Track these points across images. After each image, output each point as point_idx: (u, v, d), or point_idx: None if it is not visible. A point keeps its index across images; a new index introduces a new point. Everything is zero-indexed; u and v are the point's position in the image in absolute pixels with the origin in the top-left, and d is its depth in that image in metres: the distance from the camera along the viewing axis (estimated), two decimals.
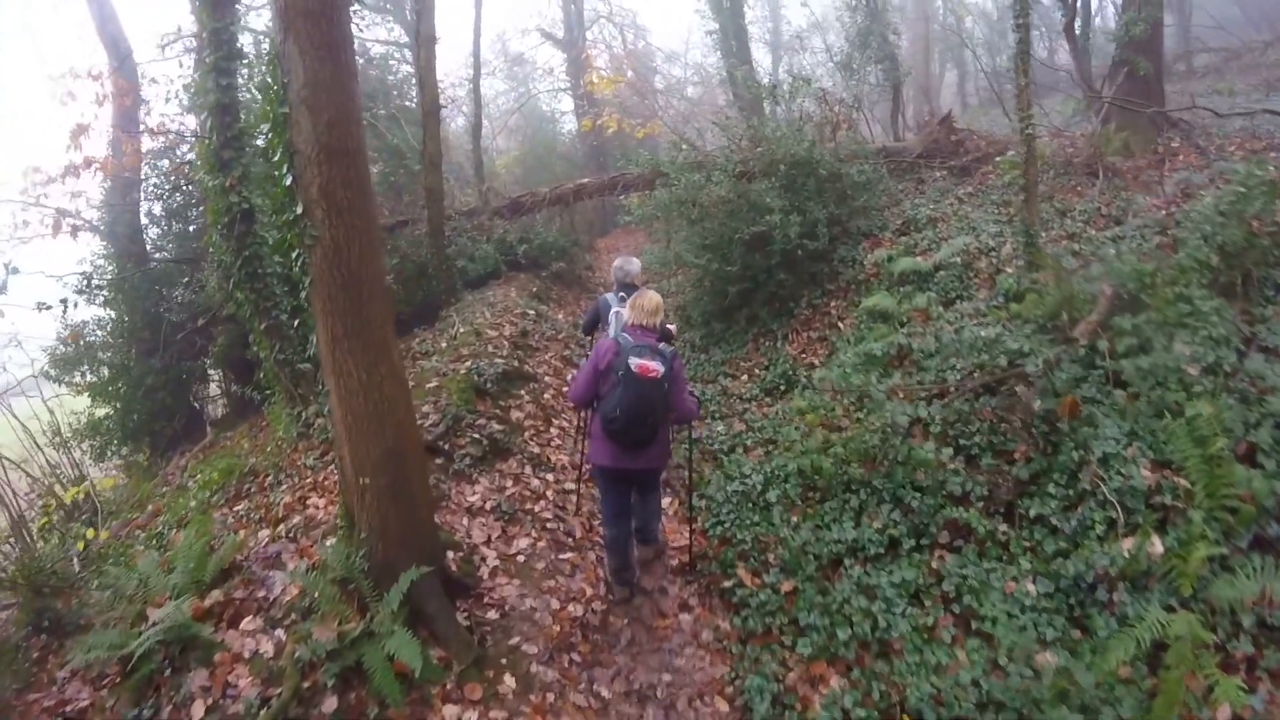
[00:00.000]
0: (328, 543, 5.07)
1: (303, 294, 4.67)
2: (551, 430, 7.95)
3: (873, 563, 5.30)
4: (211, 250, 8.72)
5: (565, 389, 9.18)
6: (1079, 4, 16.53)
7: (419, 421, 6.66)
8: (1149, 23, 11.38)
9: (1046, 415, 5.50)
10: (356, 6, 24.40)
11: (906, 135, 17.24)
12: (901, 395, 6.45)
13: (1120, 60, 12.03)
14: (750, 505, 6.24)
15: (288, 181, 4.43)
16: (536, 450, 7.36)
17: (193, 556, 5.19)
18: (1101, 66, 15.09)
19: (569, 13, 28.08)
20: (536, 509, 6.28)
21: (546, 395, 8.71)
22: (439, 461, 6.37)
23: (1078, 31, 13.99)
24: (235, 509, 6.85)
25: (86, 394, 13.03)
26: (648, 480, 5.29)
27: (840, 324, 9.63)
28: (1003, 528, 5.19)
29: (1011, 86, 23.30)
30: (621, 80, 19.30)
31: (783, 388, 8.80)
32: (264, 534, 5.78)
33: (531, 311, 11.14)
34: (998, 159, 12.95)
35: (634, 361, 4.57)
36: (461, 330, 9.58)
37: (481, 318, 10.38)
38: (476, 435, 6.83)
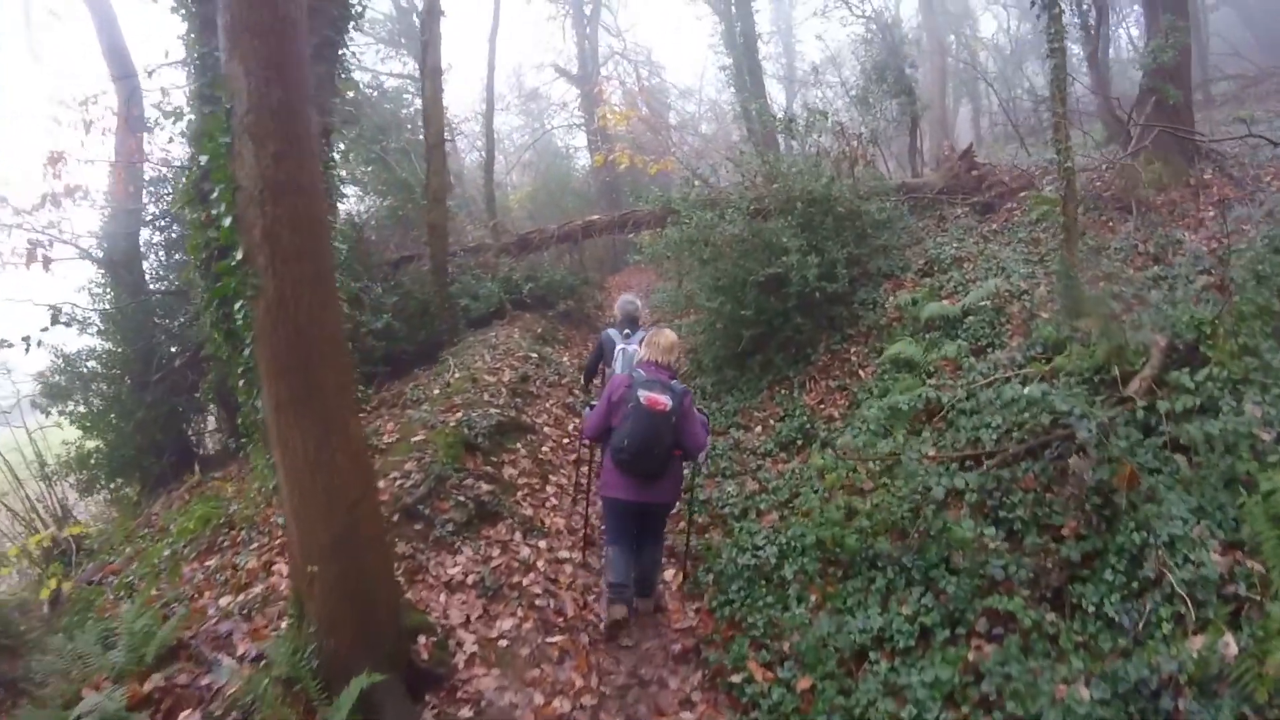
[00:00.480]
0: (283, 624, 4.43)
1: (245, 351, 4.06)
2: (548, 489, 7.30)
3: (902, 657, 4.58)
4: (190, 287, 8.19)
5: (566, 440, 8.57)
6: (1100, 31, 16.08)
7: (398, 482, 6.06)
8: (1177, 49, 10.75)
9: (1099, 486, 4.78)
10: (371, 40, 24.49)
11: (924, 171, 16.68)
12: (933, 458, 5.74)
13: (1148, 88, 11.40)
14: (763, 582, 5.54)
15: (226, 221, 3.84)
16: (529, 513, 6.70)
17: (137, 633, 4.59)
18: (1122, 97, 14.53)
19: (583, 49, 27.91)
20: (525, 582, 5.60)
21: (544, 448, 8.08)
22: (418, 528, 5.72)
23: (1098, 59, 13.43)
24: (206, 563, 6.31)
25: (76, 425, 12.55)
26: (655, 518, 5.27)
27: (861, 372, 9.00)
28: (1051, 618, 4.45)
29: (1029, 120, 22.74)
30: (634, 114, 18.89)
31: (800, 442, 8.14)
32: (223, 601, 5.18)
33: (534, 354, 10.53)
34: (1022, 194, 12.36)
35: (643, 394, 4.71)
36: (457, 376, 8.98)
37: (480, 361, 9.79)
38: (462, 498, 6.19)
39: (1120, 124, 12.57)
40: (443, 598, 5.16)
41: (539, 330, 12.27)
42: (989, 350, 7.75)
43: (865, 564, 5.26)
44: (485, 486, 6.51)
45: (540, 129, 30.42)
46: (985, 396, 6.10)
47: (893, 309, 9.64)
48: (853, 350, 9.51)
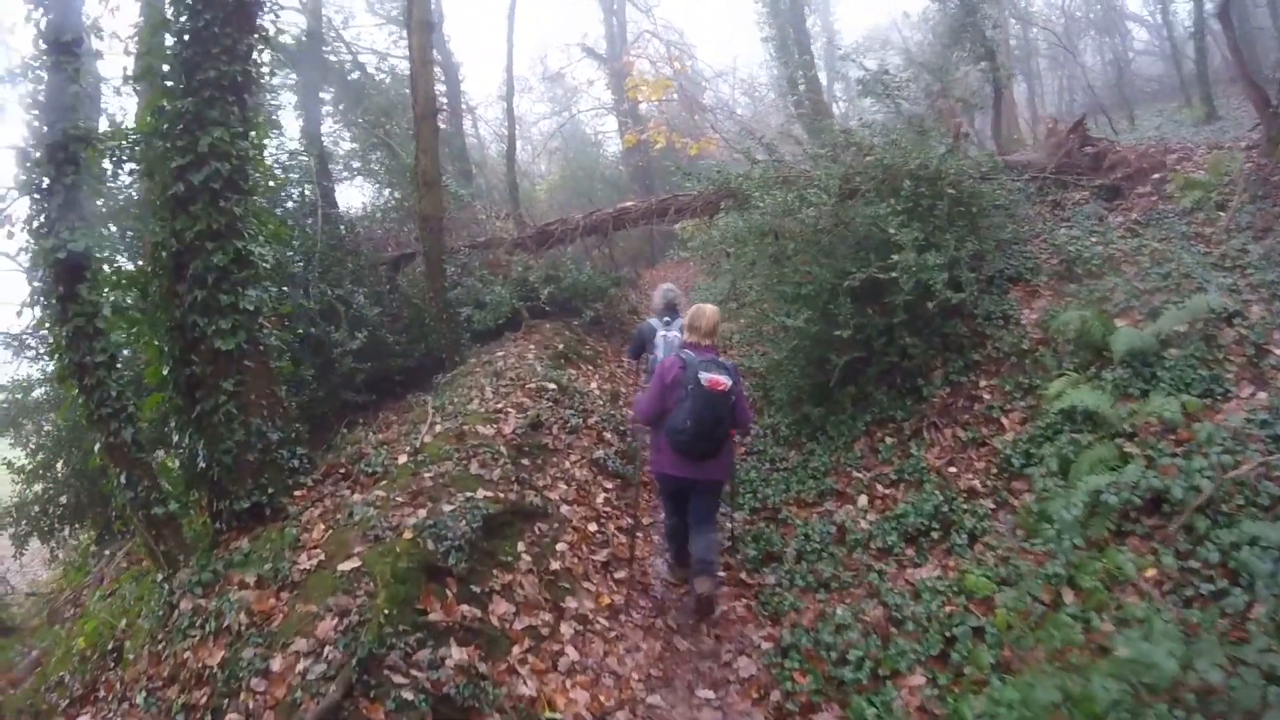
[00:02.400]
0: None
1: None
2: (563, 628, 4.42)
3: None
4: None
5: (596, 527, 5.74)
6: None
7: (300, 667, 3.29)
8: None
9: None
10: (381, 20, 21.73)
11: (1020, 146, 13.59)
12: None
13: None
14: None
15: None
16: (533, 689, 3.84)
17: None
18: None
19: (611, 27, 24.96)
20: None
21: (561, 546, 5.20)
22: None
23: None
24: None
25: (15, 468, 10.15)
26: (710, 495, 5.03)
27: (1004, 419, 6.14)
28: None
29: (1109, 94, 19.43)
30: (670, 85, 15.88)
31: (935, 532, 5.26)
32: None
33: (551, 384, 7.65)
34: (1155, 176, 9.38)
35: (704, 376, 4.54)
36: (438, 430, 6.12)
37: (476, 399, 6.97)
38: (409, 693, 3.34)
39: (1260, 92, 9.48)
40: None
41: (559, 346, 9.38)
42: (1212, 400, 5.05)
43: None
44: (455, 656, 3.67)
45: (567, 115, 27.52)
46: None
47: (1034, 327, 6.77)
48: (983, 385, 6.63)
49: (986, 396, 6.55)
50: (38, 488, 10.39)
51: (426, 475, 5.12)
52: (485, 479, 5.28)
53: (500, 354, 8.82)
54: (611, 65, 24.12)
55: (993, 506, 5.43)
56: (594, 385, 8.63)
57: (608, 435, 7.36)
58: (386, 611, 3.71)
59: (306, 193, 12.21)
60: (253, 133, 5.82)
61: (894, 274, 6.36)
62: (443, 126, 20.61)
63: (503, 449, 5.88)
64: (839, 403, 7.27)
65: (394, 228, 14.97)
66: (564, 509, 5.68)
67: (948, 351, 7.14)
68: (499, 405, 6.85)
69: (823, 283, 6.73)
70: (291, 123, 19.03)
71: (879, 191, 7.11)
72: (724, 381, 4.59)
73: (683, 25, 38.55)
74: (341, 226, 12.01)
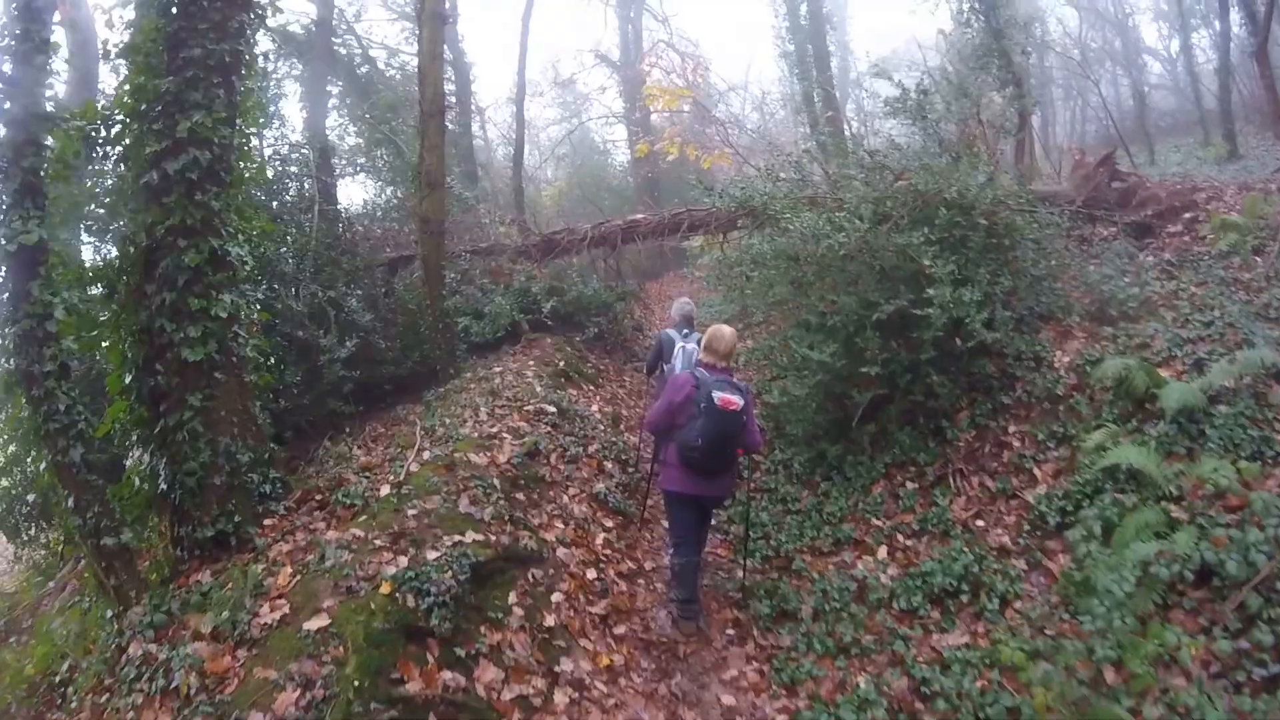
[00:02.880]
0: None
1: None
2: (558, 697, 3.88)
3: None
4: None
5: (595, 573, 5.20)
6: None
7: None
8: None
9: None
10: (394, 15, 21.23)
11: (1037, 176, 13.10)
12: None
13: None
14: None
15: None
16: None
17: None
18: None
19: (626, 34, 24.52)
20: None
21: (557, 596, 4.65)
22: None
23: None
24: None
25: None
26: (710, 511, 5.18)
27: (1036, 470, 5.69)
28: None
29: (1127, 125, 18.99)
30: (687, 93, 15.38)
31: (964, 594, 4.77)
32: None
33: (551, 407, 7.11)
34: (1186, 215, 9.00)
35: (717, 395, 4.54)
36: (428, 455, 5.57)
37: (469, 421, 6.45)
38: None
39: None
40: None
41: (560, 363, 8.84)
42: (1263, 464, 4.63)
43: None
44: None
45: (577, 122, 27.05)
46: None
47: (1068, 370, 6.31)
48: (1013, 430, 6.17)
49: (1016, 444, 6.11)
50: (5, 482, 9.79)
51: (410, 512, 4.58)
52: (475, 518, 4.74)
53: (498, 369, 8.28)
54: (625, 73, 23.66)
55: (1025, 567, 4.95)
56: (595, 408, 8.08)
57: (608, 465, 6.83)
58: (357, 683, 3.17)
59: (306, 187, 11.69)
60: (240, 120, 5.30)
61: (929, 309, 5.87)
62: (451, 126, 20.17)
63: (496, 482, 5.34)
64: (857, 441, 6.77)
65: (394, 228, 14.47)
66: (560, 552, 5.13)
67: (974, 392, 6.69)
68: (494, 429, 6.31)
69: (849, 313, 6.22)
70: (295, 114, 18.56)
71: (911, 219, 6.62)
72: (736, 401, 4.60)
73: (698, 38, 38.20)
74: (340, 224, 11.48)
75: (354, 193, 34.56)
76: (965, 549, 5.18)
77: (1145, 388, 5.52)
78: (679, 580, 4.93)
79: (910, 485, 6.25)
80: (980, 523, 5.61)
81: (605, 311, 10.56)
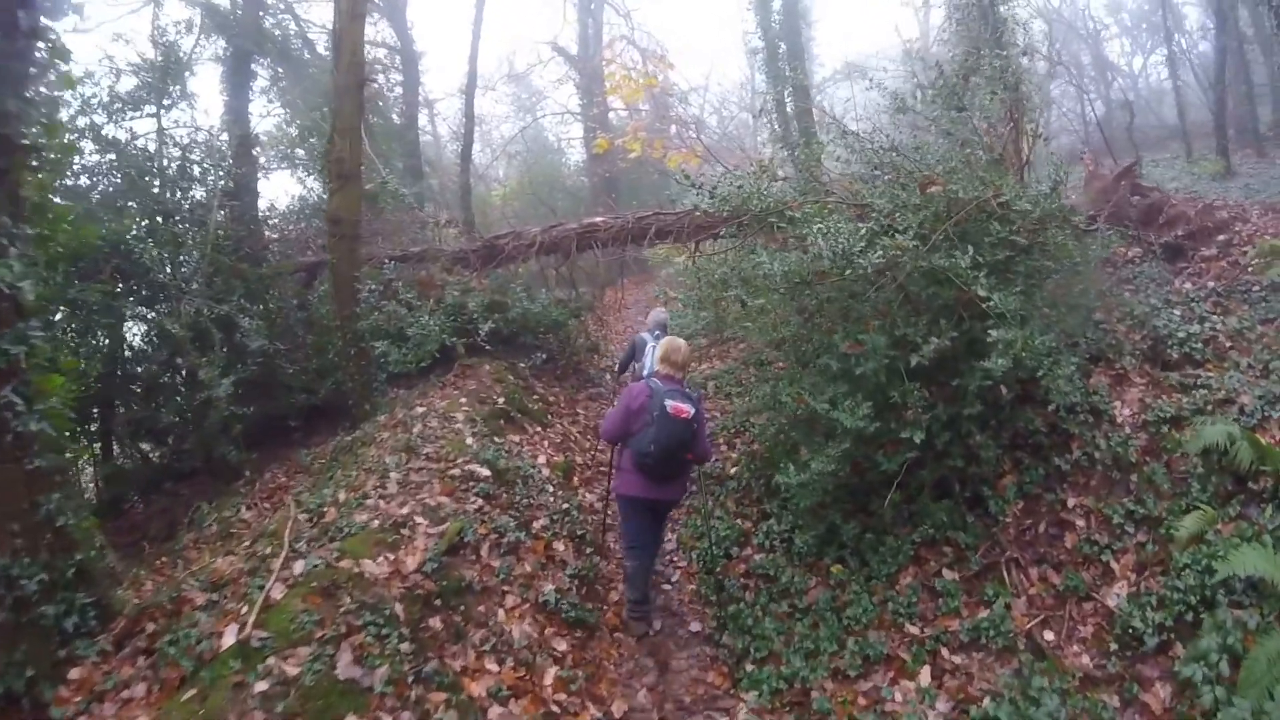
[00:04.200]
0: None
1: None
2: None
3: None
4: None
5: None
6: None
7: None
8: None
9: None
10: None
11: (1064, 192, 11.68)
12: None
13: None
14: None
15: None
16: None
17: None
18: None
19: (585, 27, 22.66)
20: None
21: None
22: None
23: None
24: None
25: None
26: (664, 514, 5.10)
27: (1114, 562, 4.34)
28: None
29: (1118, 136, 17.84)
30: (653, 83, 13.67)
31: None
32: None
33: (484, 468, 5.29)
34: (1220, 238, 7.72)
35: (668, 404, 4.59)
36: (301, 570, 3.74)
37: (373, 494, 4.66)
38: None
39: None
40: None
41: (499, 399, 6.94)
42: None
43: None
44: None
45: (530, 119, 25.13)
46: None
47: (1134, 428, 4.96)
48: (1072, 504, 4.73)
49: (1080, 523, 4.70)
50: None
51: (260, 687, 2.80)
52: (361, 688, 2.97)
53: (421, 408, 6.43)
54: (583, 67, 21.86)
55: (1119, 703, 3.60)
56: (542, 459, 6.27)
57: (560, 547, 5.06)
58: None
59: (217, 182, 9.72)
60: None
61: (985, 361, 4.28)
62: (396, 120, 18.22)
63: (398, 609, 3.56)
64: (877, 514, 5.15)
65: (322, 227, 12.53)
66: (494, 714, 3.37)
67: (1018, 451, 5.15)
68: (404, 509, 4.50)
69: (878, 356, 4.57)
70: (215, 98, 16.45)
71: (948, 235, 5.01)
72: (686, 409, 4.64)
73: (661, 37, 36.46)
74: (246, 225, 9.53)
75: (288, 188, 31.94)
76: (1041, 677, 3.64)
77: (1251, 462, 4.19)
78: (630, 582, 4.96)
79: (949, 574, 4.73)
80: (1050, 635, 4.11)
81: (555, 331, 8.76)
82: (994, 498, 4.94)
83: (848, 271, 4.47)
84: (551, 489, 5.82)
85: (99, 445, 8.29)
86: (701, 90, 26.63)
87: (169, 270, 7.50)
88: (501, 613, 4.13)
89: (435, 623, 3.77)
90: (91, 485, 8.89)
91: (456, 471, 5.12)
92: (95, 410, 7.94)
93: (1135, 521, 4.37)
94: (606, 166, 19.29)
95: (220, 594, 3.85)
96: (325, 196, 13.42)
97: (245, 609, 3.44)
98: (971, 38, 12.12)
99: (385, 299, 7.47)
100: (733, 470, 6.78)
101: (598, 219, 9.30)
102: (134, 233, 7.62)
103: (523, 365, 8.08)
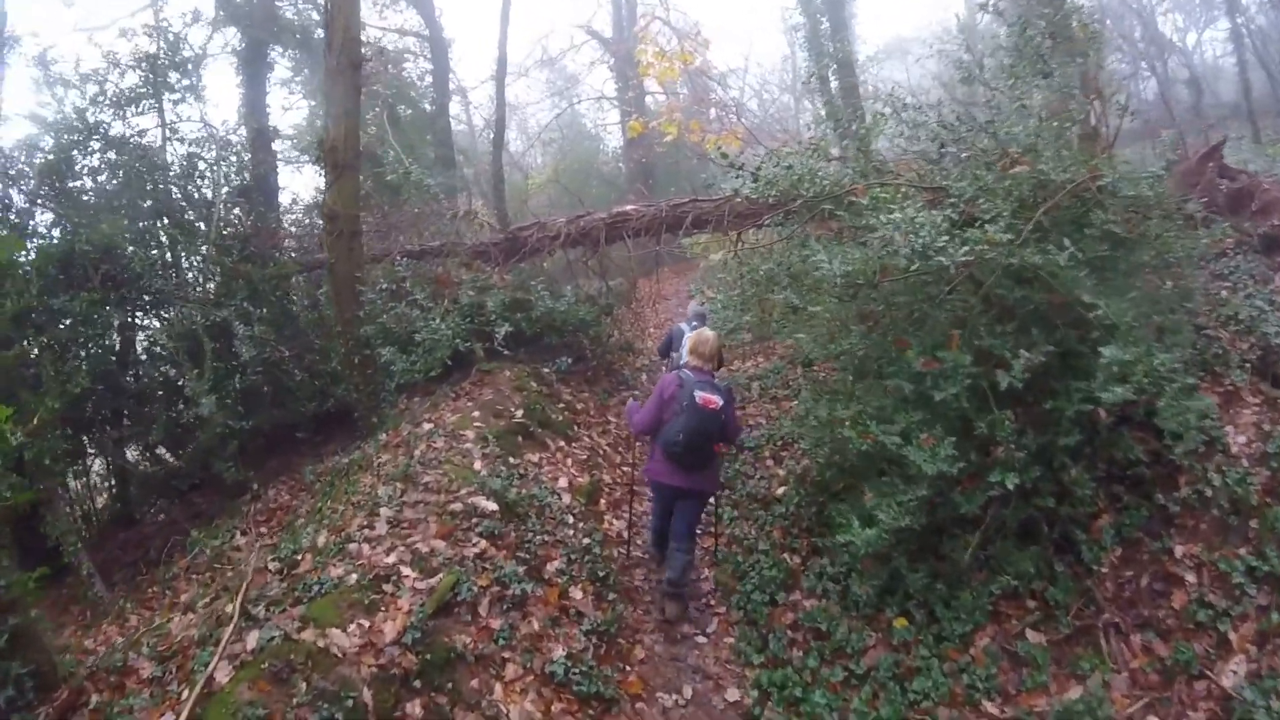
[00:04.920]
0: None
1: None
2: None
3: None
4: None
5: None
6: None
7: None
8: None
9: None
10: None
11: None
12: None
13: None
14: None
15: None
16: None
17: None
18: None
19: (619, 8, 21.74)
20: None
21: None
22: None
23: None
24: None
25: None
26: (694, 505, 4.92)
27: (1231, 631, 3.53)
28: None
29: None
30: (690, 59, 12.77)
31: None
32: None
33: (490, 502, 4.53)
34: None
35: (698, 394, 4.60)
36: (255, 643, 3.04)
37: (357, 538, 3.94)
38: None
39: None
40: None
41: (518, 411, 6.13)
42: None
43: None
44: None
45: (565, 105, 24.31)
46: None
47: (1253, 460, 4.04)
48: (1181, 553, 3.88)
49: (1189, 578, 3.77)
50: None
51: None
52: None
53: (428, 423, 5.70)
54: (617, 48, 20.95)
55: None
56: (564, 481, 5.50)
57: (577, 594, 4.29)
58: None
59: (232, 177, 9.17)
60: None
61: (1107, 389, 3.41)
62: (427, 109, 17.59)
63: (367, 695, 2.85)
64: (949, 558, 4.29)
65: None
66: None
67: (1114, 484, 4.26)
68: (390, 557, 3.78)
69: (959, 376, 3.69)
70: (232, 91, 16.05)
71: (1040, 226, 4.09)
72: (715, 401, 4.63)
73: (696, 18, 35.22)
74: (261, 222, 8.92)
75: (316, 182, 31.60)
76: None
77: None
78: (653, 532, 5.21)
79: (1034, 636, 3.90)
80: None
81: (584, 331, 7.96)
82: (1088, 542, 4.10)
83: (918, 269, 3.60)
84: (572, 519, 5.05)
85: (107, 457, 7.83)
86: (740, 73, 25.57)
87: (162, 275, 6.90)
88: (498, 688, 3.38)
89: (413, 708, 3.04)
90: (106, 494, 8.49)
91: (458, 506, 4.38)
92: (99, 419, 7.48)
93: (1256, 580, 3.53)
94: (643, 152, 18.43)
95: (166, 667, 3.19)
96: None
97: (186, 691, 2.75)
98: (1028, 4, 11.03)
99: (394, 300, 6.74)
100: (780, 491, 5.95)
101: (629, 207, 8.47)
102: (127, 235, 7.06)
103: (547, 370, 7.28)
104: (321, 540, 4.14)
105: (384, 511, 4.29)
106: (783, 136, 11.78)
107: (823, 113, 14.90)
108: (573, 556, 4.60)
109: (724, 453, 5.24)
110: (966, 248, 3.43)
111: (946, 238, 3.46)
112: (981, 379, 3.81)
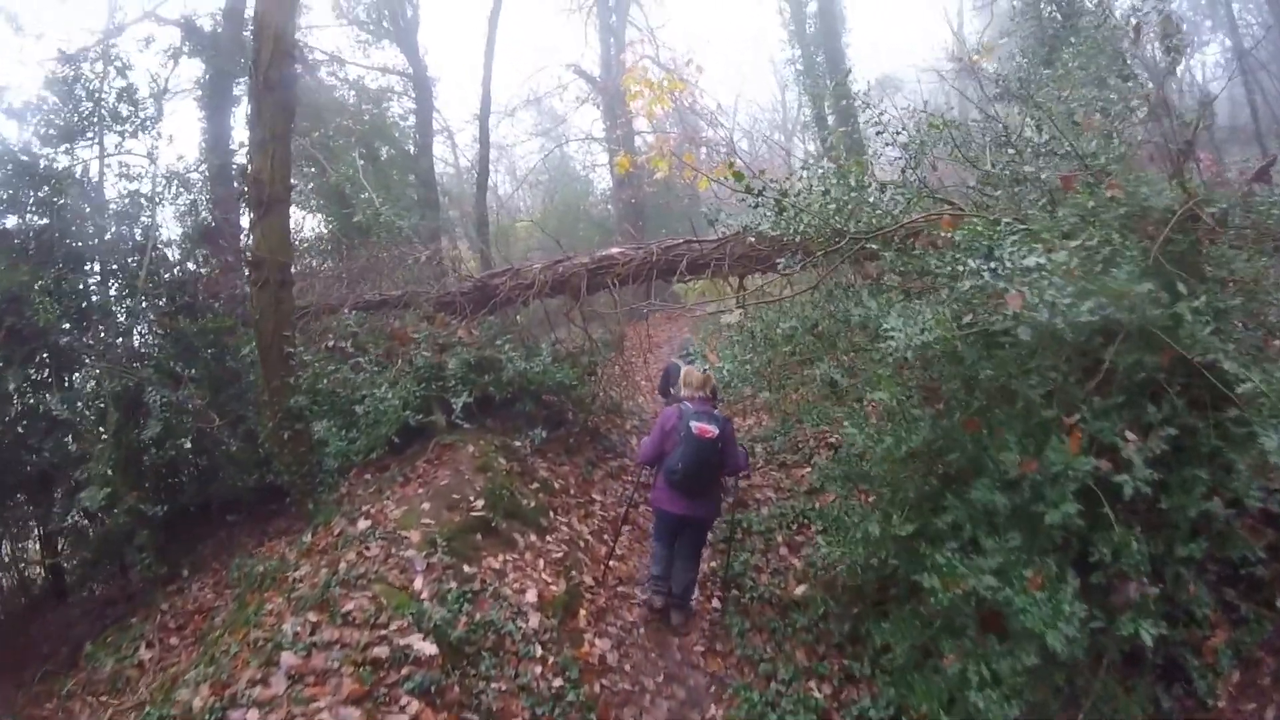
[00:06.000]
0: None
1: None
2: None
3: None
4: None
5: None
6: None
7: None
8: None
9: None
10: (344, 21, 17.82)
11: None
12: None
13: None
14: None
15: None
16: None
17: None
18: None
19: (607, 47, 21.02)
20: None
21: None
22: None
23: None
24: None
25: None
26: (698, 531, 5.02)
27: None
28: None
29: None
30: (682, 85, 11.92)
31: None
32: None
33: (429, 645, 3.39)
34: None
35: (694, 424, 4.72)
36: None
37: (253, 675, 2.86)
38: None
39: None
40: None
41: (478, 499, 4.97)
42: None
43: None
44: None
45: (553, 146, 23.53)
46: None
47: None
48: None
49: None
50: None
51: None
52: None
53: (364, 521, 4.58)
54: (605, 88, 20.22)
55: None
56: (531, 594, 4.34)
57: None
58: None
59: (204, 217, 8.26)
60: None
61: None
62: (411, 148, 16.72)
63: None
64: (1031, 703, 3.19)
65: (311, 265, 10.89)
66: None
67: (1225, 588, 3.36)
68: None
69: (1068, 481, 2.62)
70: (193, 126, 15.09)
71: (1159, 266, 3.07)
72: (712, 430, 4.70)
73: (685, 56, 34.63)
74: (210, 264, 7.85)
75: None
76: None
77: None
78: (655, 560, 5.04)
79: None
80: None
81: (563, 394, 6.85)
82: (1200, 668, 3.03)
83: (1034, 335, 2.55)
84: (540, 649, 3.90)
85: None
86: (730, 111, 24.87)
87: (75, 329, 5.81)
88: None
89: None
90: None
91: (383, 651, 3.24)
92: None
93: None
94: (632, 192, 17.53)
95: None
96: (323, 229, 12.05)
97: None
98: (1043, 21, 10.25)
99: (329, 363, 5.60)
100: (799, 591, 4.84)
101: (614, 250, 7.42)
102: (39, 284, 6.00)
103: (519, 443, 6.15)
104: (200, 700, 3.01)
105: (285, 657, 3.16)
106: (781, 174, 10.86)
107: (819, 146, 14.10)
108: (539, 710, 3.45)
109: (729, 485, 5.39)
110: (1090, 302, 2.39)
111: (1073, 289, 2.41)
112: (1088, 478, 2.75)
